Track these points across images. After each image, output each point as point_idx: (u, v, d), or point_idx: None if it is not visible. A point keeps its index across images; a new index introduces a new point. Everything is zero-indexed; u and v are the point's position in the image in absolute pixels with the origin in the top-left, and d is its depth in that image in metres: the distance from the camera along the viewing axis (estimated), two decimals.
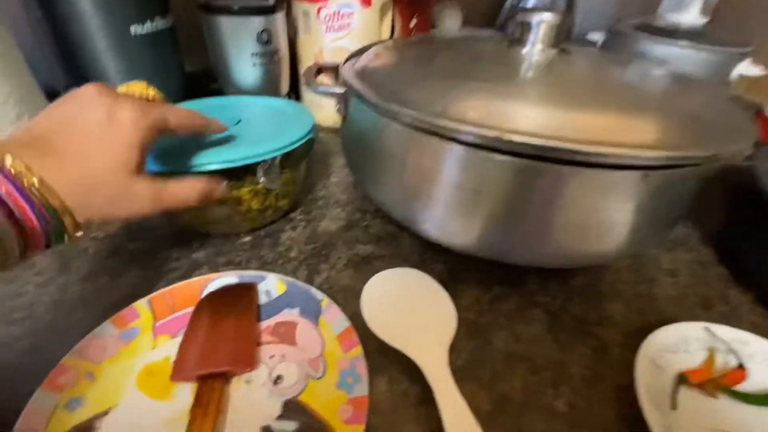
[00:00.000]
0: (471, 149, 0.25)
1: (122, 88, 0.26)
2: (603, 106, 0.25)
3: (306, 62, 0.49)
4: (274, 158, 0.30)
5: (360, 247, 0.36)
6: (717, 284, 0.35)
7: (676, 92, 0.31)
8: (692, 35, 0.53)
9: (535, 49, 0.32)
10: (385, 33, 0.52)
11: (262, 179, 0.30)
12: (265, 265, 0.33)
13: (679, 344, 0.28)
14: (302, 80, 0.52)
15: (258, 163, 0.30)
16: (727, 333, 0.28)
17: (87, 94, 0.21)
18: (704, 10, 0.56)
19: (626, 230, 0.28)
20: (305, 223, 0.38)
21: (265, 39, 0.43)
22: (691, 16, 0.54)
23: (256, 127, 0.34)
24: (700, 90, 0.31)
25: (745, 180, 0.36)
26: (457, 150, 0.25)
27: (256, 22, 0.42)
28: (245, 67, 0.44)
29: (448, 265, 0.34)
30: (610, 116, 0.25)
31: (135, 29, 0.35)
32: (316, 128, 0.37)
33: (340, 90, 0.33)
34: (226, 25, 0.41)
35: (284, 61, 0.48)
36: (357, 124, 0.32)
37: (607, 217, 0.27)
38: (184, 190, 0.25)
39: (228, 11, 0.41)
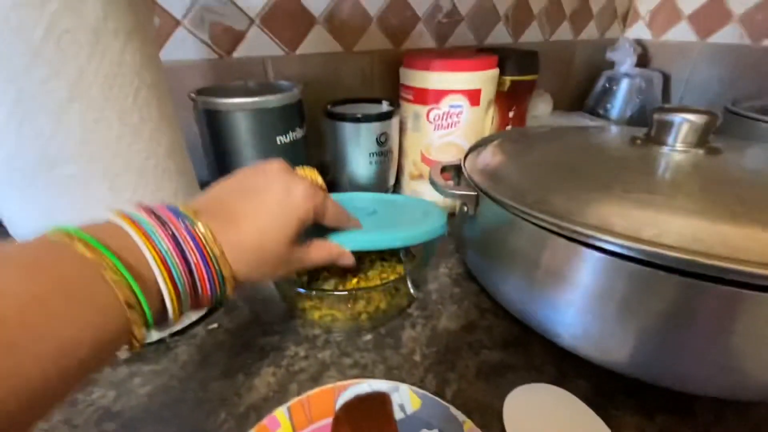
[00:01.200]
0: (619, 260, 0.23)
1: (298, 170, 0.28)
2: (762, 216, 0.22)
3: (411, 156, 0.52)
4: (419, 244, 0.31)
5: (487, 353, 0.33)
6: None
7: None
8: None
9: (677, 150, 0.31)
10: (488, 126, 0.53)
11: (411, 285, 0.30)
12: (391, 370, 0.32)
13: None
14: (406, 174, 0.55)
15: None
16: None
17: (272, 168, 0.24)
18: None
19: None
20: (423, 320, 0.37)
21: (383, 140, 0.46)
22: None
23: (392, 216, 0.35)
24: None
25: None
26: (601, 259, 0.24)
27: (377, 127, 0.45)
28: (363, 164, 0.47)
29: (593, 382, 0.30)
30: None
31: (280, 139, 0.40)
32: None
33: (471, 192, 0.33)
34: (350, 129, 0.45)
35: (394, 158, 0.51)
36: (487, 224, 0.32)
37: None
38: (320, 252, 0.27)
39: (352, 119, 0.45)
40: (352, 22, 0.54)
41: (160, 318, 0.19)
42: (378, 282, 0.36)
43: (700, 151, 0.31)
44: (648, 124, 0.34)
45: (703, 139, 0.31)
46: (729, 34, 0.69)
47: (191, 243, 0.19)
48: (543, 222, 0.26)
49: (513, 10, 0.66)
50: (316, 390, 0.28)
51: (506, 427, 0.26)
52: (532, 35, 0.72)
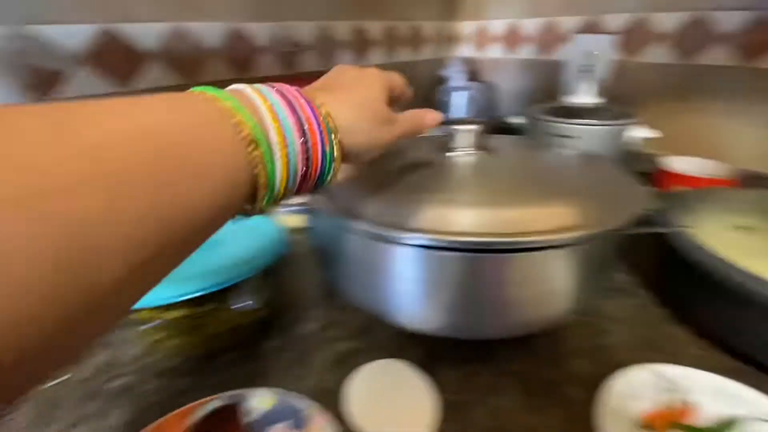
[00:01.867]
0: (423, 250, 0.29)
1: None
2: (525, 198, 0.31)
3: None
4: (246, 280, 0.34)
5: (340, 345, 0.38)
6: (660, 325, 0.40)
7: (582, 174, 0.37)
8: (592, 113, 0.64)
9: (462, 154, 0.39)
10: None
11: (234, 306, 0.33)
12: (250, 381, 0.34)
13: (632, 389, 0.31)
14: None
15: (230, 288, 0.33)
16: (673, 371, 0.32)
17: (342, 66, 0.28)
18: (598, 93, 0.68)
19: (566, 294, 0.33)
20: (284, 329, 0.40)
21: None
22: (588, 98, 0.66)
23: (230, 247, 0.38)
24: (600, 167, 0.38)
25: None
26: (411, 252, 0.30)
27: None
28: None
29: (425, 348, 0.37)
30: (533, 206, 0.30)
31: None
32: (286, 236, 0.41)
33: (301, 207, 0.37)
34: None
35: None
36: (321, 234, 0.37)
37: (547, 287, 0.31)
38: (414, 117, 0.29)
39: None
40: (190, 55, 0.56)
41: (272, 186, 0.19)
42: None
43: (480, 152, 0.39)
44: None
45: (480, 143, 0.40)
46: (529, 51, 0.87)
47: (314, 123, 0.20)
48: (361, 229, 0.31)
49: (351, 37, 0.74)
50: (169, 415, 0.29)
51: (345, 401, 0.31)
52: (375, 58, 0.80)
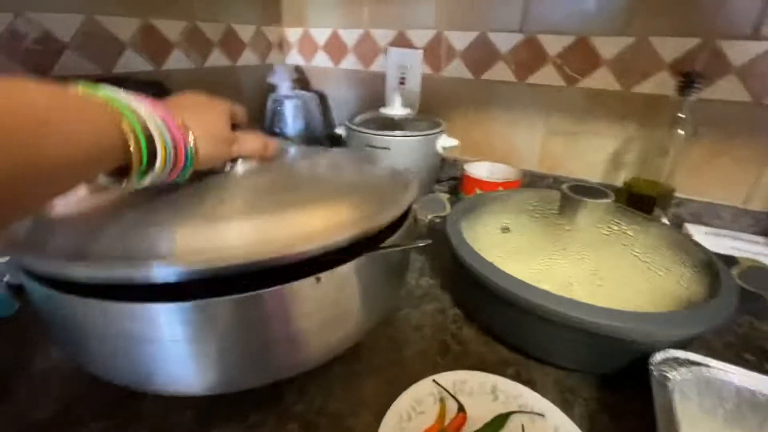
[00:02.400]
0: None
1: None
2: (283, 208, 0.27)
3: None
4: None
5: (84, 430, 0.29)
6: (452, 326, 0.42)
7: (345, 187, 0.34)
8: (404, 124, 0.67)
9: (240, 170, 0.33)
10: None
11: None
12: None
13: (415, 407, 0.31)
14: None
15: None
16: (450, 378, 0.33)
17: (189, 93, 0.31)
18: (409, 105, 0.72)
19: (346, 318, 0.31)
20: (9, 417, 0.30)
21: None
22: (399, 110, 0.69)
23: None
24: (364, 171, 0.37)
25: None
26: (143, 311, 0.24)
27: None
28: None
29: (198, 409, 0.31)
30: (281, 226, 0.26)
31: None
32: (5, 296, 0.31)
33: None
34: None
35: None
36: (40, 299, 0.28)
37: (317, 316, 0.29)
38: (253, 140, 0.33)
39: None
40: None
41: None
42: None
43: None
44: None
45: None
46: (350, 62, 0.87)
47: (170, 121, 0.25)
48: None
49: (139, 36, 0.63)
50: None
51: None
52: (179, 62, 0.71)
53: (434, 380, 0.33)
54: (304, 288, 0.27)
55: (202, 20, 0.73)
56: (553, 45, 0.65)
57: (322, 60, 0.91)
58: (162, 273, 0.22)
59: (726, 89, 0.56)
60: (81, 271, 0.23)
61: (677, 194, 0.63)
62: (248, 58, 0.86)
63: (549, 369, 0.36)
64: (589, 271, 0.36)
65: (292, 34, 0.93)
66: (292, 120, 0.86)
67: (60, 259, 0.23)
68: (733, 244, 0.59)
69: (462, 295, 0.44)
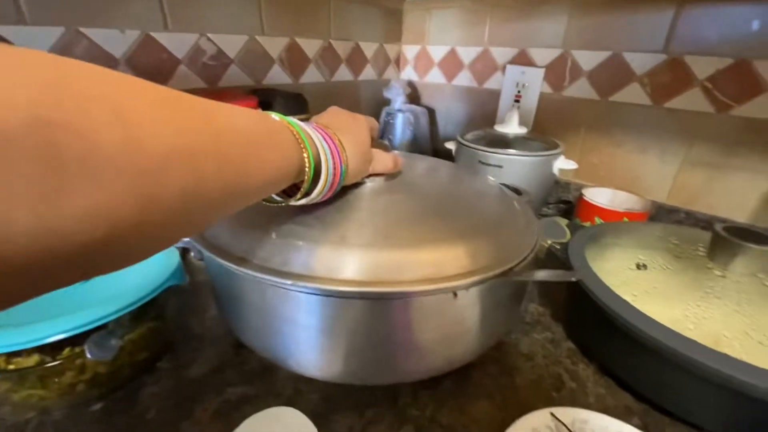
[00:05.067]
0: (316, 297, 0.27)
1: None
2: (417, 241, 0.29)
3: None
4: (106, 325, 0.29)
5: (230, 391, 0.34)
6: (566, 360, 0.40)
7: (478, 212, 0.35)
8: (518, 143, 0.66)
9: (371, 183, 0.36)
10: None
11: (89, 353, 0.28)
12: None
13: None
14: None
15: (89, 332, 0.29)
16: (570, 414, 0.31)
17: (334, 109, 0.33)
18: (523, 123, 0.70)
19: (467, 336, 0.32)
20: (171, 371, 0.36)
21: None
22: (514, 128, 0.68)
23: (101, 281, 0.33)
24: (502, 205, 0.37)
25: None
26: (302, 298, 0.27)
27: None
28: None
29: (323, 394, 0.34)
30: (423, 251, 0.28)
31: None
32: (181, 267, 0.37)
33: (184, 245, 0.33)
34: None
35: None
36: (215, 272, 0.33)
37: (445, 331, 0.30)
38: (384, 158, 0.35)
39: None
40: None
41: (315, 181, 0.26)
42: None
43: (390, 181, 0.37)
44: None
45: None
46: (464, 79, 0.89)
47: (333, 145, 0.27)
48: (247, 274, 0.28)
49: (285, 54, 0.72)
50: None
51: None
52: (312, 76, 0.79)
53: (552, 413, 0.31)
54: (438, 301, 0.28)
55: (336, 38, 0.80)
56: (704, 67, 0.59)
57: (435, 76, 0.94)
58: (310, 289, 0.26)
59: None
60: (247, 272, 0.27)
61: None
62: (368, 73, 0.92)
63: (681, 426, 0.32)
64: (747, 325, 0.31)
65: (410, 51, 0.97)
66: (401, 132, 0.89)
67: (233, 262, 0.27)
68: None
69: (580, 330, 0.41)
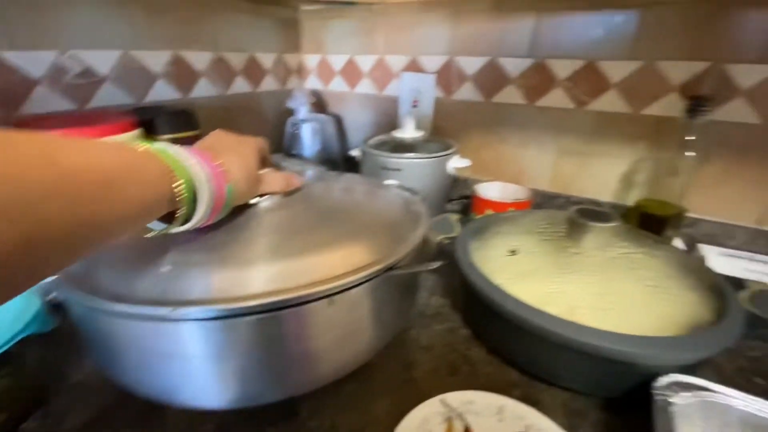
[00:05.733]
0: (203, 323, 0.26)
1: None
2: (301, 250, 0.30)
3: None
4: None
5: None
6: (462, 346, 0.43)
7: (366, 216, 0.36)
8: (416, 146, 0.69)
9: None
10: None
11: None
12: None
13: (423, 425, 0.32)
14: None
15: None
16: (458, 398, 0.34)
17: (219, 132, 0.33)
18: (422, 128, 0.74)
19: (359, 336, 0.33)
20: (47, 424, 0.32)
21: None
22: (412, 132, 0.71)
23: None
24: (391, 207, 0.39)
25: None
26: (189, 327, 0.26)
27: None
28: None
29: (219, 423, 0.33)
30: (307, 259, 0.29)
31: None
32: (42, 313, 0.34)
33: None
34: None
35: None
36: (79, 313, 0.30)
37: (331, 335, 0.30)
38: (277, 179, 0.35)
39: None
40: None
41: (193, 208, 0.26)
42: None
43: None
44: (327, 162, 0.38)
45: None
46: (365, 86, 0.91)
47: (212, 168, 0.26)
48: (119, 310, 0.26)
49: (169, 68, 0.68)
50: None
51: None
52: (205, 90, 0.75)
53: (442, 400, 0.34)
54: (318, 309, 0.29)
55: (228, 50, 0.78)
56: (563, 69, 0.67)
57: (338, 84, 0.95)
58: (193, 314, 0.25)
59: (735, 112, 0.57)
60: (123, 310, 0.25)
61: (691, 214, 0.63)
62: (269, 83, 0.91)
63: (556, 391, 0.37)
64: (596, 294, 0.36)
65: (311, 60, 0.97)
66: (309, 142, 0.89)
67: (107, 299, 0.26)
68: (748, 265, 0.58)
69: (471, 316, 0.45)
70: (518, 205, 0.64)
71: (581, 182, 0.73)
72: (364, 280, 0.28)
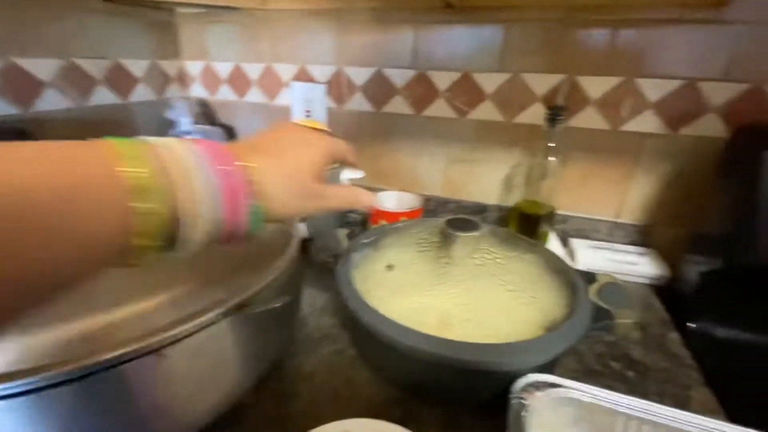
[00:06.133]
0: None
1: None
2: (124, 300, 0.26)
3: None
4: None
5: None
6: (348, 369, 0.41)
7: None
8: None
9: None
10: None
11: None
12: None
13: None
14: None
15: None
16: (341, 427, 0.32)
17: (285, 124, 0.28)
18: None
19: (222, 377, 0.29)
20: None
21: None
22: None
23: None
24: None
25: None
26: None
27: None
28: None
29: None
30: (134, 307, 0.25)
31: None
32: None
33: None
34: None
35: None
36: None
37: (177, 387, 0.27)
38: (344, 191, 0.30)
39: None
40: None
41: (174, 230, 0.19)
42: None
43: None
44: None
45: None
46: (256, 95, 0.86)
47: (228, 179, 0.20)
48: None
49: (1, 77, 0.57)
50: None
51: None
52: (54, 103, 0.65)
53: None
54: (147, 365, 0.25)
55: (82, 57, 0.68)
56: (443, 80, 0.70)
57: (226, 93, 0.89)
58: None
59: (588, 119, 0.64)
60: None
61: (562, 212, 0.69)
62: (142, 93, 0.81)
63: (434, 406, 0.37)
64: (463, 304, 0.37)
65: (193, 67, 0.90)
66: None
67: None
68: (610, 255, 0.65)
69: (354, 336, 0.43)
70: (410, 214, 0.65)
71: (470, 187, 0.76)
72: (196, 329, 0.25)
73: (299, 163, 0.25)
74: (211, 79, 0.89)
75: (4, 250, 0.14)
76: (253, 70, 0.84)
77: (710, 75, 0.56)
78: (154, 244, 0.19)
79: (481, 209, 0.76)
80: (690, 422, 0.29)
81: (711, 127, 0.58)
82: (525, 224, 0.65)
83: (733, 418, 0.39)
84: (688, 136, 0.60)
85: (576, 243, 0.68)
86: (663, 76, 0.58)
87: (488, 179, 0.74)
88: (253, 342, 0.32)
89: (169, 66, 0.87)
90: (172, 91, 0.89)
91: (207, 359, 0.28)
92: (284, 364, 0.41)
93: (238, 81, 0.87)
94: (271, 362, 0.36)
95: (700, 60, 0.56)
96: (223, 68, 0.87)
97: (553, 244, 0.66)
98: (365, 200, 0.31)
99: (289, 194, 0.24)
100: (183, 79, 0.91)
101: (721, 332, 0.52)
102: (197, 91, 0.92)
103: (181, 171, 0.19)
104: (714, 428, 0.28)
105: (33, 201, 0.14)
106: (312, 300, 0.53)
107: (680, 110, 0.59)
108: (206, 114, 0.92)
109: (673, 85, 0.58)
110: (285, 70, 0.81)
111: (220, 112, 0.93)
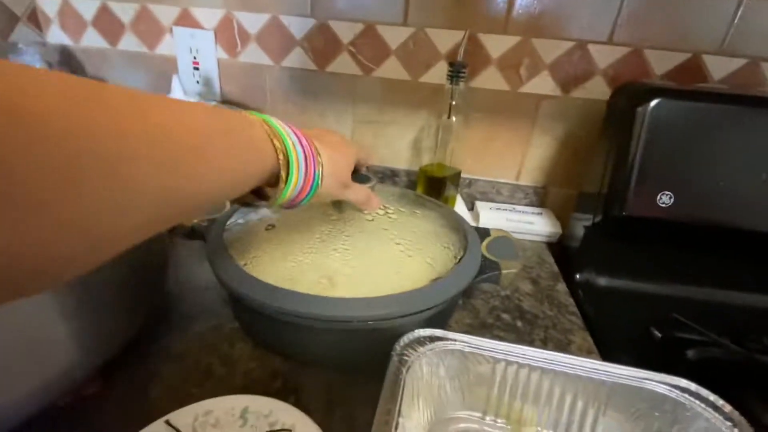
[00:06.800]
0: None
1: None
2: None
3: None
4: None
5: None
6: (225, 344, 0.37)
7: None
8: None
9: None
10: None
11: None
12: None
13: None
14: None
15: None
16: (190, 414, 0.28)
17: (326, 129, 0.35)
18: (211, 94, 0.63)
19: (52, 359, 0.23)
20: None
21: None
22: (190, 99, 0.60)
23: None
24: None
25: None
26: None
27: None
28: None
29: None
30: None
31: None
32: None
33: None
34: None
35: None
36: None
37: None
38: (361, 190, 0.36)
39: None
40: None
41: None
42: None
43: None
44: None
45: None
46: (131, 43, 0.73)
47: (308, 149, 0.27)
48: None
49: None
50: None
51: None
52: None
53: (167, 421, 0.27)
54: None
55: None
56: (345, 32, 0.65)
57: (94, 39, 0.75)
58: None
59: (488, 79, 0.63)
60: None
61: (468, 175, 0.69)
62: None
63: (318, 372, 0.34)
64: (349, 260, 0.34)
65: (48, 5, 0.73)
66: None
67: None
68: (510, 216, 0.67)
69: (234, 308, 0.39)
70: None
71: (379, 151, 0.73)
72: None
73: (345, 157, 0.32)
74: (72, 21, 0.74)
75: (194, 174, 0.18)
76: (124, 11, 0.71)
77: (598, 38, 0.59)
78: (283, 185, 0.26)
79: (392, 173, 0.74)
80: (562, 362, 0.29)
81: (598, 90, 0.61)
82: (432, 187, 0.64)
83: (606, 357, 0.42)
84: (578, 98, 0.63)
85: (480, 205, 0.70)
86: (557, 37, 0.60)
87: (397, 142, 0.72)
88: (87, 317, 0.26)
89: (15, 3, 0.70)
90: (22, 33, 0.72)
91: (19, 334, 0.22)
92: (149, 347, 0.35)
93: (107, 24, 0.73)
94: (121, 343, 0.30)
95: (590, 24, 0.58)
96: (86, 7, 0.72)
97: (460, 207, 0.67)
98: (374, 204, 0.38)
99: (333, 179, 0.30)
100: (35, 19, 0.74)
101: (601, 281, 0.57)
102: (57, 36, 0.76)
103: (292, 139, 0.26)
104: (581, 365, 0.29)
105: (207, 140, 0.19)
106: (201, 272, 0.47)
107: (572, 73, 0.61)
108: (68, 64, 0.77)
109: (567, 46, 0.60)
110: (165, 13, 0.69)
111: (88, 62, 0.78)
